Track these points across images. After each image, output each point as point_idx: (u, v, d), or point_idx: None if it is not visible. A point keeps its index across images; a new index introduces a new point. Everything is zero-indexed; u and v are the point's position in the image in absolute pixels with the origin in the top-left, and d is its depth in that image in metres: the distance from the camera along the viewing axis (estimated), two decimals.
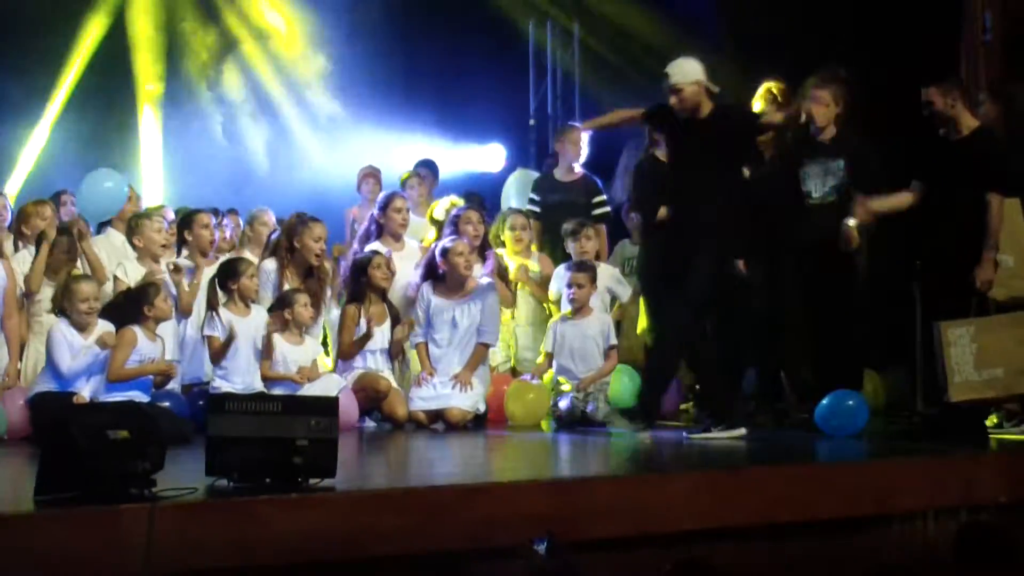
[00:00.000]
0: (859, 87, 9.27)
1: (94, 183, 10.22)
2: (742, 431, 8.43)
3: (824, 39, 11.64)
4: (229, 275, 9.29)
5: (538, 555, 5.49)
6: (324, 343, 10.10)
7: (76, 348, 8.58)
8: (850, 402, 8.79)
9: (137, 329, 8.73)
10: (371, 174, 12.10)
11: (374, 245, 10.17)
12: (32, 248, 9.50)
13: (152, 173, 14.45)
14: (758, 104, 9.75)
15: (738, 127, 8.70)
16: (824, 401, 8.80)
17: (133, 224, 9.74)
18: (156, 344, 8.82)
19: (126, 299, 9.00)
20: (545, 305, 10.43)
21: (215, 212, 10.67)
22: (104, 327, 8.76)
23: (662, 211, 9.17)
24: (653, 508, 6.50)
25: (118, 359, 8.63)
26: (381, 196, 10.63)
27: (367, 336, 9.61)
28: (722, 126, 8.53)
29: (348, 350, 9.72)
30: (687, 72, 8.48)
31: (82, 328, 8.67)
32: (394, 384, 9.63)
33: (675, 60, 8.58)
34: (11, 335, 8.65)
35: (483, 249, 10.23)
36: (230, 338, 9.06)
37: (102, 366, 8.59)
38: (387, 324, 9.77)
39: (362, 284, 9.74)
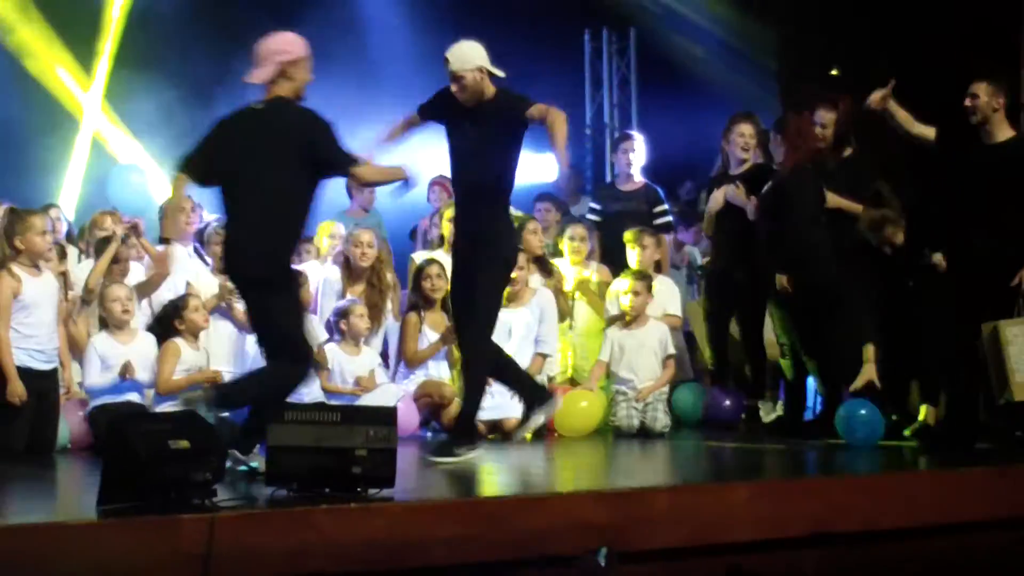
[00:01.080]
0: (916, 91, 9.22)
1: (120, 177, 10.25)
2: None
3: (876, 40, 11.63)
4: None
5: (597, 564, 5.50)
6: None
7: (111, 360, 8.65)
8: (863, 411, 8.77)
9: (179, 341, 8.81)
10: (439, 183, 12.13)
11: (435, 253, 10.19)
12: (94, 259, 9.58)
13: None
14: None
15: (513, 111, 8.01)
16: (840, 412, 8.79)
17: (207, 236, 9.80)
18: (200, 353, 8.91)
19: (163, 313, 9.08)
20: (602, 315, 10.41)
21: None
22: (145, 338, 8.89)
23: None
24: (710, 518, 6.49)
25: (165, 371, 8.75)
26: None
27: (441, 343, 9.63)
28: (504, 110, 8.00)
29: (414, 358, 9.73)
30: (467, 57, 7.93)
31: (120, 330, 8.76)
32: (456, 393, 9.65)
33: (455, 45, 8.00)
34: (63, 345, 8.72)
35: (542, 259, 10.24)
36: None
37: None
38: (445, 332, 9.81)
39: (420, 293, 9.77)
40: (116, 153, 13.66)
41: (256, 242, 7.13)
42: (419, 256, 10.40)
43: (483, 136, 7.96)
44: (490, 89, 7.99)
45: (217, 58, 12.86)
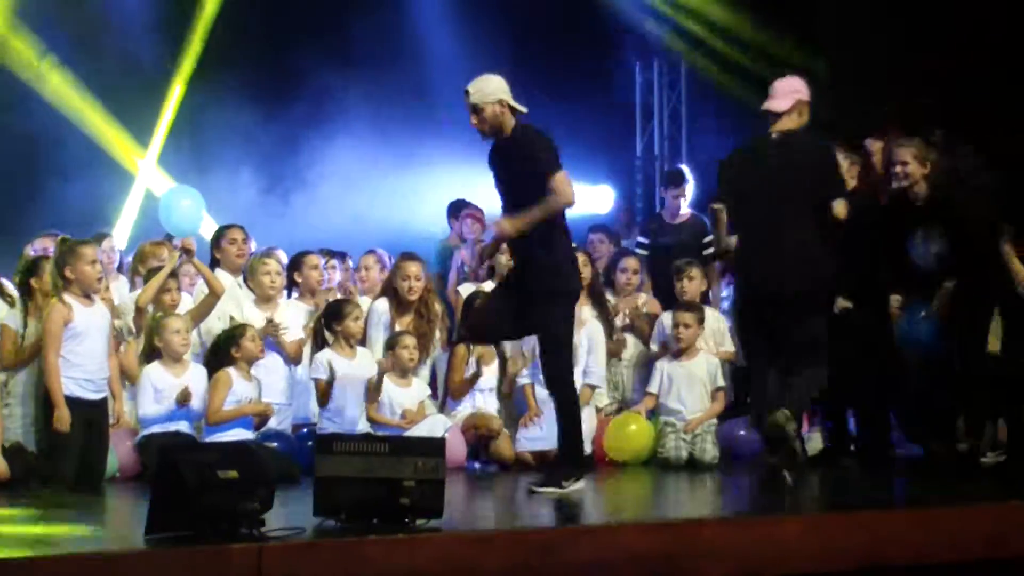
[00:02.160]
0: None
1: (172, 201, 10.31)
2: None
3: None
4: (334, 317, 9.39)
5: None
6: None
7: (163, 390, 8.72)
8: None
9: (232, 371, 8.86)
10: (472, 215, 12.16)
11: (484, 286, 10.21)
12: None
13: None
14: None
15: (532, 150, 7.98)
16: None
17: (249, 267, 9.85)
18: (252, 384, 8.94)
19: (218, 343, 9.13)
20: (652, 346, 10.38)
21: (326, 253, 10.74)
22: (196, 370, 8.93)
23: None
24: (759, 551, 6.45)
25: (215, 402, 8.81)
26: None
27: (477, 375, 9.65)
28: (523, 146, 7.99)
29: (457, 388, 9.76)
30: (487, 90, 7.93)
31: (175, 362, 8.82)
32: (503, 426, 9.64)
33: (477, 78, 8.00)
34: (113, 375, 8.77)
35: (595, 291, 10.24)
36: (331, 380, 9.15)
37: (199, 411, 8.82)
38: (495, 363, 9.80)
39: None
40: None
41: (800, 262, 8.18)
42: (465, 289, 10.40)
43: (510, 171, 8.01)
44: (510, 123, 7.99)
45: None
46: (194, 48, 14.58)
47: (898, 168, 8.91)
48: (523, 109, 8.00)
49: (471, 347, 9.74)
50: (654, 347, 10.19)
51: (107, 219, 13.65)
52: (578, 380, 9.68)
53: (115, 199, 14.22)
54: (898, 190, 9.00)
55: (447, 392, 9.90)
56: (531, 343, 9.40)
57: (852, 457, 9.43)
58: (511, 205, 8.00)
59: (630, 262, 10.72)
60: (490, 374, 9.77)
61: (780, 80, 8.51)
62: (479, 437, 9.57)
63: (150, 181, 14.37)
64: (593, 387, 9.87)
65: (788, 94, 8.40)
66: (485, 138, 8.03)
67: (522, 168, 7.91)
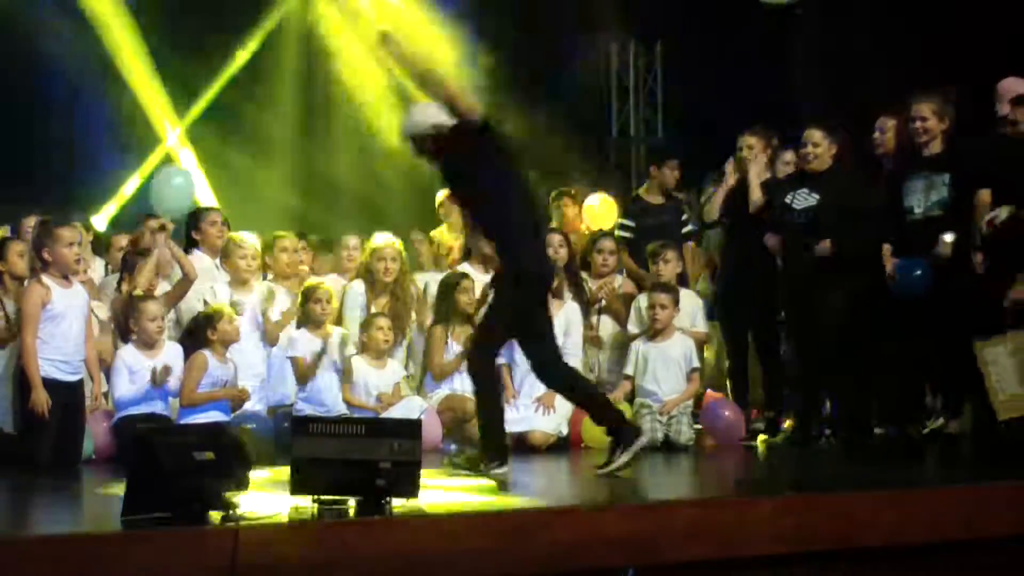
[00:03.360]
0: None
1: (163, 181, 10.29)
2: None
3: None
4: (306, 299, 9.39)
5: None
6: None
7: (138, 372, 8.69)
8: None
9: (207, 353, 8.84)
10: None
11: (463, 267, 10.21)
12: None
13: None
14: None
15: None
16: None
17: (223, 249, 9.82)
18: (228, 367, 8.93)
19: (195, 324, 9.11)
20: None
21: (300, 236, 10.72)
22: (171, 349, 8.93)
23: None
24: (735, 532, 6.47)
25: (190, 383, 8.81)
26: None
27: (463, 357, 9.65)
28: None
29: (440, 371, 9.74)
30: (415, 122, 7.86)
31: (149, 347, 8.79)
32: None
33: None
34: (91, 357, 8.75)
35: (571, 271, 10.25)
36: (316, 359, 9.19)
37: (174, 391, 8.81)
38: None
39: (448, 305, 9.77)
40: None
41: None
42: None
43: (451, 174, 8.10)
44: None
45: None
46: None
47: (917, 124, 9.05)
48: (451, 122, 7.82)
49: (450, 328, 9.74)
50: (631, 329, 10.19)
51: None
52: None
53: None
54: (901, 152, 9.27)
55: (425, 374, 9.90)
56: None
57: (828, 437, 9.49)
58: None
59: (606, 243, 10.72)
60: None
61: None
62: (454, 420, 9.57)
63: (174, 152, 14.31)
64: None
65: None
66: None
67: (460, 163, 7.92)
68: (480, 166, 7.76)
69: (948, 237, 8.77)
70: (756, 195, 9.88)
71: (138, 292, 9.11)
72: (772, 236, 9.74)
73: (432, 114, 7.78)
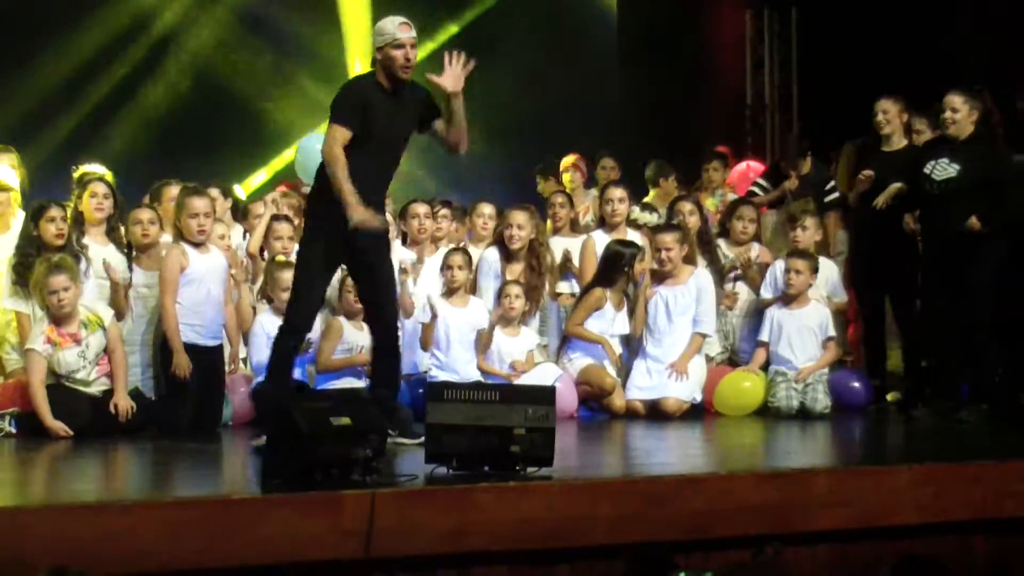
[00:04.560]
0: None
1: (309, 146, 10.39)
2: None
3: None
4: (441, 267, 9.41)
5: (766, 558, 5.45)
6: None
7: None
8: None
9: (343, 319, 8.90)
10: (574, 164, 12.11)
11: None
12: None
13: None
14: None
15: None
16: None
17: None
18: (363, 332, 8.96)
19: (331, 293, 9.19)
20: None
21: (431, 202, 10.72)
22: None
23: None
24: (872, 501, 6.42)
25: (326, 350, 8.86)
26: None
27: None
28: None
29: (576, 330, 9.71)
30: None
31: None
32: (618, 381, 9.60)
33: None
34: (230, 321, 8.85)
35: (704, 239, 10.20)
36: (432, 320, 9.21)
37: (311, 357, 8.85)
38: (624, 309, 9.75)
39: (618, 272, 9.71)
40: None
41: None
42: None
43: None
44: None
45: None
46: None
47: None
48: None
49: (608, 293, 9.67)
50: (765, 294, 10.09)
51: None
52: (688, 329, 9.68)
53: None
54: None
55: (562, 342, 9.85)
56: None
57: (976, 405, 9.35)
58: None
59: (746, 211, 10.60)
60: (622, 319, 9.77)
61: None
62: (590, 394, 9.54)
63: None
64: (703, 335, 9.78)
65: None
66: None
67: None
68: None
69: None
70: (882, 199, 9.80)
71: (280, 259, 9.20)
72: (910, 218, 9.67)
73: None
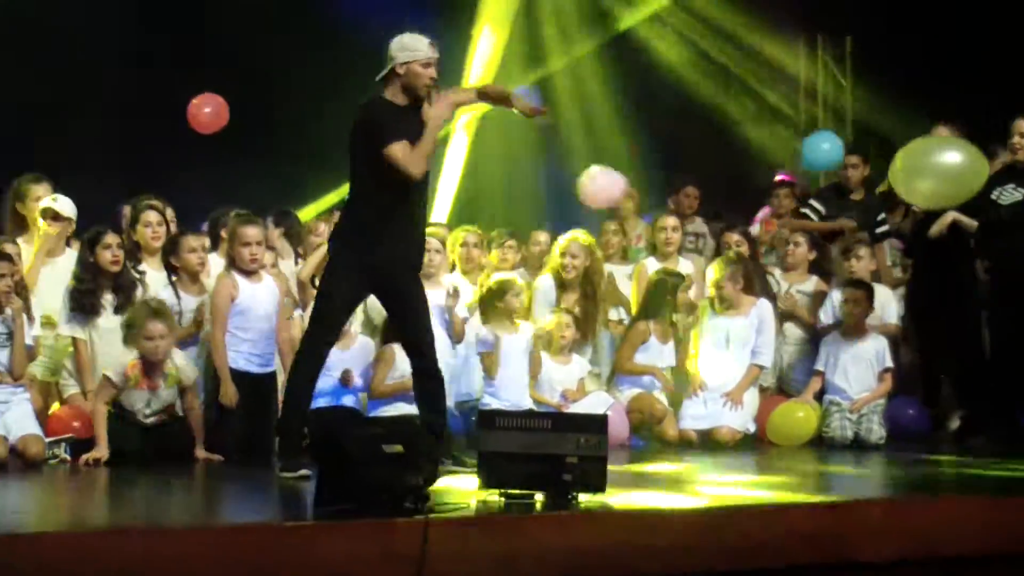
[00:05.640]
0: None
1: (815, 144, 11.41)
2: None
3: None
4: (496, 295, 9.39)
5: None
6: None
7: (329, 366, 8.71)
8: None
9: (396, 347, 8.90)
10: (627, 192, 12.12)
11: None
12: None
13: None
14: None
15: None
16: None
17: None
18: None
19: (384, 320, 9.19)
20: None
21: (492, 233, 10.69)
22: (361, 343, 9.07)
23: None
24: (926, 531, 6.36)
25: (378, 376, 8.91)
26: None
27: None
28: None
29: (626, 367, 9.70)
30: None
31: (340, 341, 8.89)
32: (669, 409, 9.58)
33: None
34: (284, 348, 8.87)
35: (758, 267, 10.18)
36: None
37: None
38: (671, 342, 9.74)
39: (661, 303, 9.70)
40: None
41: None
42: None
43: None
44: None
45: None
46: None
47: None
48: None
49: (652, 325, 9.66)
50: (824, 319, 10.01)
51: None
52: (746, 359, 9.63)
53: None
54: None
55: (614, 372, 9.84)
56: None
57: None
58: None
59: (800, 239, 10.51)
60: (669, 351, 9.76)
61: None
62: (641, 421, 9.51)
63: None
64: (760, 367, 9.73)
65: None
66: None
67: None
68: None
69: None
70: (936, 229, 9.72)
71: (308, 279, 9.26)
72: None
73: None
